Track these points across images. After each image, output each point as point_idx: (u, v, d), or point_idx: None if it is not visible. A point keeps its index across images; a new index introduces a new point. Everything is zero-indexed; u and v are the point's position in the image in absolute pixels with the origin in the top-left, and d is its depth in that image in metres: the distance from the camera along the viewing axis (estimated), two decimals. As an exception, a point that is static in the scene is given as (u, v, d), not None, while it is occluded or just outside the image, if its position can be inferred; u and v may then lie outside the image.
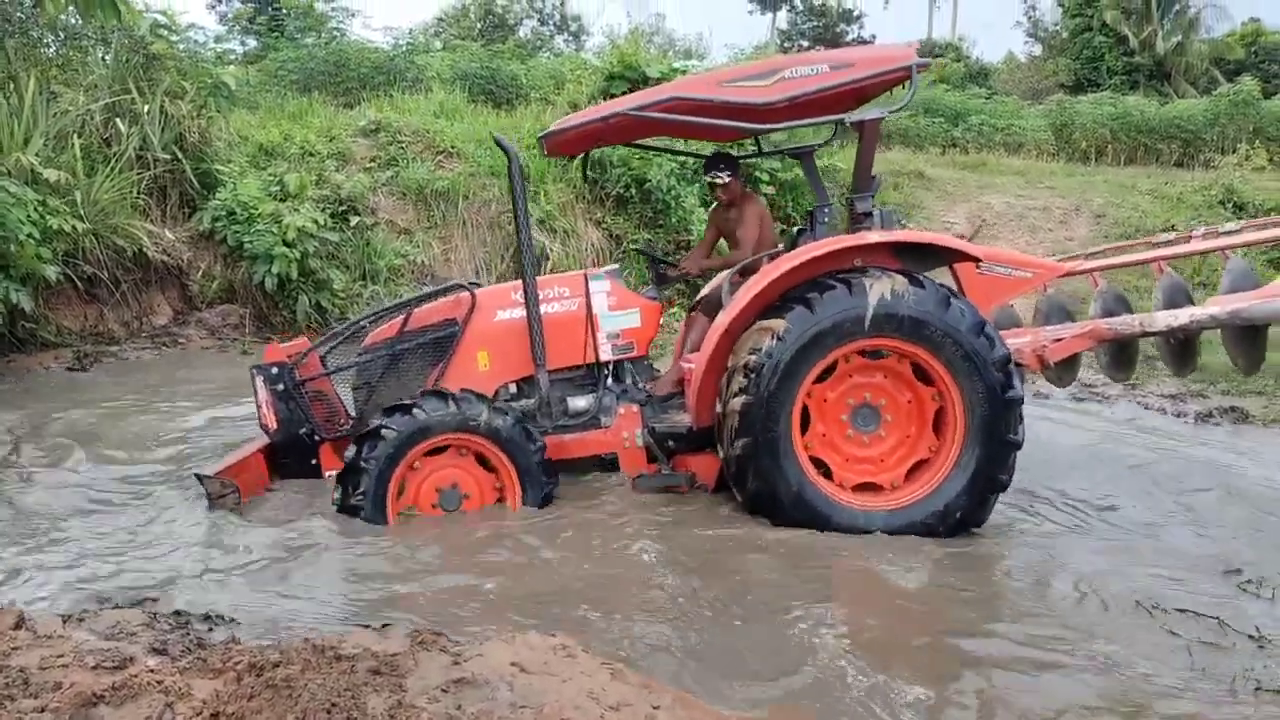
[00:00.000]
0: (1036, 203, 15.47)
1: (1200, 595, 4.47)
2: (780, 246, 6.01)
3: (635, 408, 5.76)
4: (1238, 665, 3.82)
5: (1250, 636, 4.05)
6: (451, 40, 22.12)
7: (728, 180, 6.06)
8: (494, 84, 16.19)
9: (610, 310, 5.80)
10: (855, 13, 51.95)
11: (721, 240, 6.48)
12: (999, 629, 4.08)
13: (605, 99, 13.55)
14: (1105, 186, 16.54)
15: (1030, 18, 44.14)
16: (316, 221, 10.60)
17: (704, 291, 6.55)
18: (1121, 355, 6.41)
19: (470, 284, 5.95)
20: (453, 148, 13.03)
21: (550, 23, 45.33)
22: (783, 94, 5.03)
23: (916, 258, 5.34)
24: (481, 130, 13.52)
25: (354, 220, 11.51)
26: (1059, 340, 5.93)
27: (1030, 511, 5.74)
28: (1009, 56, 39.82)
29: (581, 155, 7.20)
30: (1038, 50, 39.55)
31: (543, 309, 5.57)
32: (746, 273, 5.65)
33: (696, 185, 12.42)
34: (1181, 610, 4.25)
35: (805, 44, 45.19)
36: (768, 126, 5.45)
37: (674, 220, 12.32)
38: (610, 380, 5.87)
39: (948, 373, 5.02)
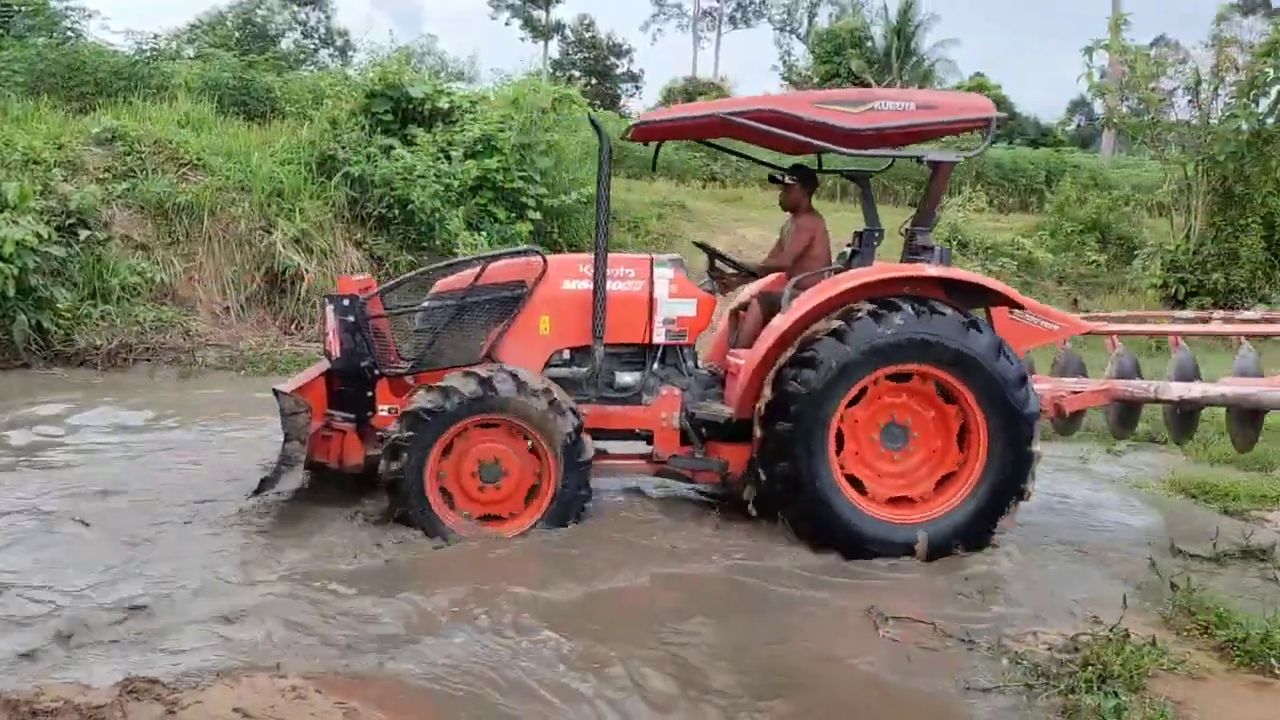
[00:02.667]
0: (788, 236, 16.35)
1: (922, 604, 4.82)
2: (835, 262, 6.28)
3: (677, 391, 5.99)
4: (948, 664, 4.15)
5: (960, 639, 4.40)
6: (205, 48, 20.92)
7: (790, 185, 6.45)
8: (248, 96, 15.44)
9: (670, 297, 6.01)
10: (624, 47, 53.41)
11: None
12: (724, 647, 4.23)
13: (366, 116, 13.22)
14: (846, 222, 17.62)
15: (785, 62, 46.88)
16: (39, 235, 9.72)
17: (740, 296, 6.77)
18: (1128, 415, 6.85)
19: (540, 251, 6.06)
20: (198, 160, 12.30)
21: (315, 36, 43.88)
22: (870, 123, 5.44)
23: (963, 294, 5.64)
24: (231, 143, 12.85)
25: (84, 234, 10.62)
26: (1077, 393, 6.31)
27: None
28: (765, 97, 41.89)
29: (658, 143, 7.28)
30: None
31: (608, 285, 5.75)
32: (802, 286, 5.82)
33: (461, 208, 12.32)
34: (900, 618, 4.57)
35: (576, 74, 45.88)
36: (847, 150, 5.85)
37: (438, 243, 12.13)
38: (657, 363, 6.11)
39: (972, 393, 5.40)
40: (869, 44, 35.01)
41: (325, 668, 3.75)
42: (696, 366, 6.28)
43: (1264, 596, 5.13)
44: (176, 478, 6.38)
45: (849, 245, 6.32)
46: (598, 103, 39.39)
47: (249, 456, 6.76)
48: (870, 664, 4.15)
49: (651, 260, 6.09)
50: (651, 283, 5.98)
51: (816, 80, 36.34)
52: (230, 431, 7.83)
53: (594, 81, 47.08)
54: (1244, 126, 15.47)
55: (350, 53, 42.07)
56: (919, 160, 5.91)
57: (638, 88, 54.44)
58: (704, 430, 5.94)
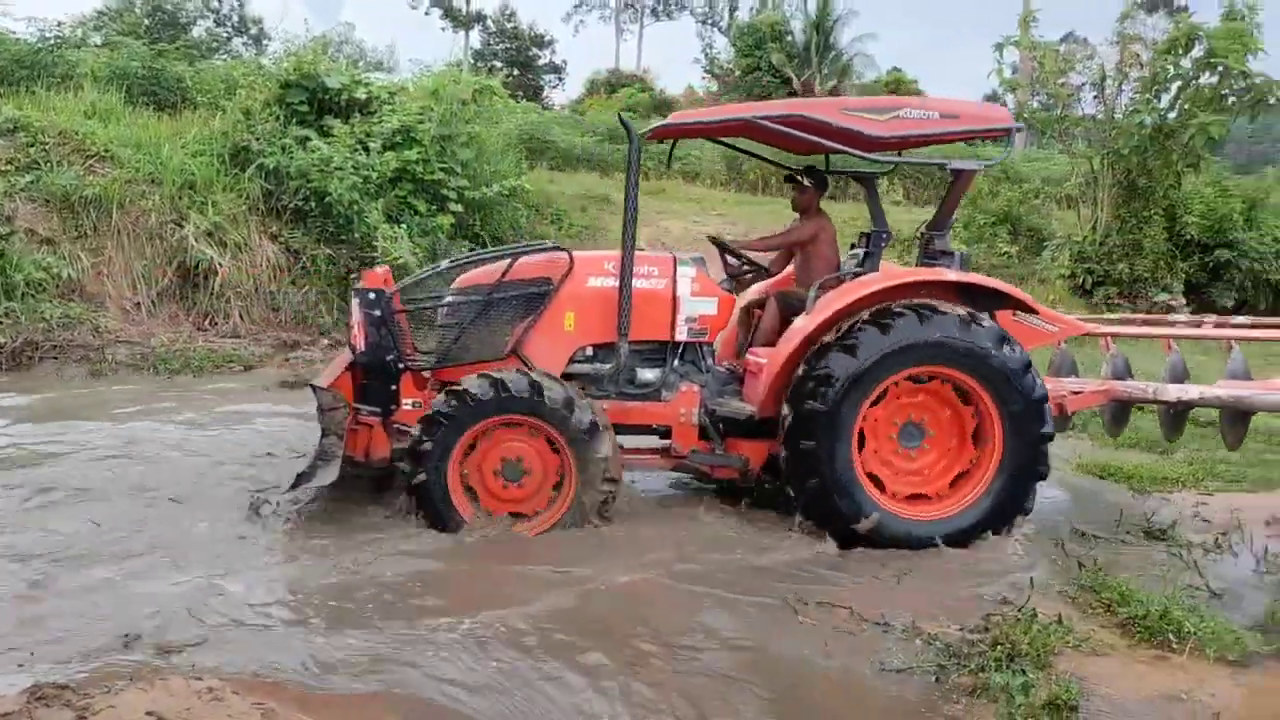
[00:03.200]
0: (708, 228, 16.41)
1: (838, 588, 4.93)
2: (849, 262, 6.37)
3: (695, 388, 6.06)
4: (865, 647, 4.26)
5: (876, 623, 4.51)
6: (113, 36, 20.24)
7: (806, 187, 6.51)
8: (157, 85, 15.00)
9: (692, 295, 6.08)
10: (546, 38, 53.13)
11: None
12: (628, 626, 4.29)
13: (281, 107, 12.95)
14: (767, 216, 17.88)
15: (708, 55, 47.09)
16: (-67, 228, 9.35)
17: (749, 294, 6.78)
18: (1122, 414, 7.16)
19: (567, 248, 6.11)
20: (106, 151, 11.91)
21: (228, 24, 42.80)
22: (895, 131, 5.63)
23: (976, 297, 5.83)
24: (141, 134, 12.48)
25: (-15, 229, 10.25)
26: (1078, 393, 6.51)
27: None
28: (689, 90, 42.14)
29: (673, 141, 7.38)
30: (715, 87, 42.18)
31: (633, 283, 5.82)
32: (826, 287, 5.93)
33: (380, 200, 12.16)
34: (820, 603, 4.67)
35: (498, 64, 45.52)
36: (872, 156, 5.95)
37: (357, 236, 11.94)
38: (677, 360, 6.17)
39: (983, 386, 5.59)
40: (789, 38, 35.29)
41: (243, 669, 3.71)
42: (714, 364, 6.34)
43: (1164, 574, 5.36)
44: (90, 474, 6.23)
45: (854, 245, 6.54)
46: (520, 94, 39.17)
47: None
48: (788, 647, 4.24)
49: (675, 259, 6.16)
50: (675, 281, 6.05)
51: (738, 73, 36.61)
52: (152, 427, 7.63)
53: (516, 72, 46.79)
54: (1146, 121, 15.98)
55: (265, 41, 41.17)
56: (941, 168, 6.11)
57: (560, 79, 54.27)
58: (721, 426, 6.04)
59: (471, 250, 13.15)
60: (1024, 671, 3.97)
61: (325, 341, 11.18)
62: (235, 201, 12.09)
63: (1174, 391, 6.55)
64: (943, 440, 5.84)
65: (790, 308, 6.20)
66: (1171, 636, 4.44)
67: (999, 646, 4.19)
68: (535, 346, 5.84)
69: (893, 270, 6.07)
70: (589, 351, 6.08)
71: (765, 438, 5.95)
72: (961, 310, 5.59)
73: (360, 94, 13.33)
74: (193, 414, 8.07)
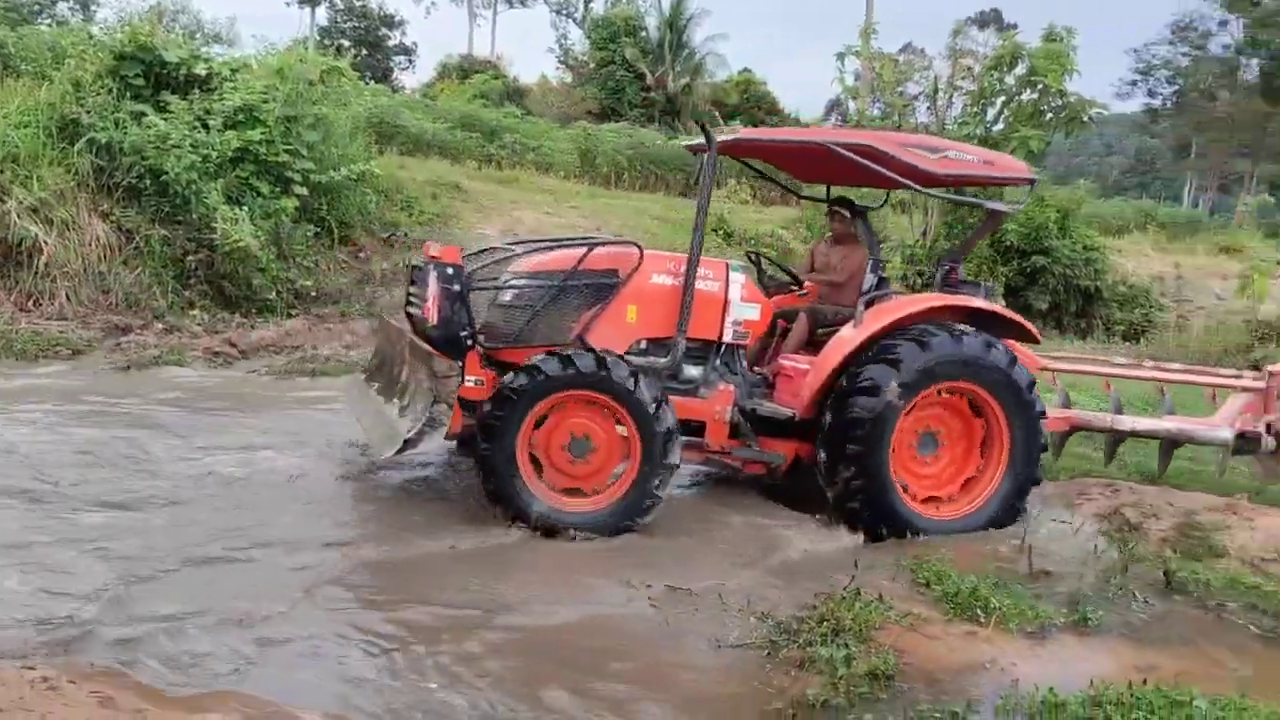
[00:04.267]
0: (563, 221, 16.56)
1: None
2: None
3: (731, 388, 6.35)
4: (704, 627, 4.49)
5: (714, 602, 4.76)
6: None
7: (846, 216, 7.00)
8: (-27, 51, 14.04)
9: (741, 300, 6.41)
10: (397, 18, 51.97)
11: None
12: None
13: (115, 80, 12.31)
14: (622, 210, 18.14)
15: (562, 45, 47.05)
16: None
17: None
18: (1112, 447, 7.90)
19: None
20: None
21: (51, -15, 40.13)
22: (945, 169, 6.28)
23: (985, 321, 6.49)
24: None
25: None
26: (1045, 418, 6.77)
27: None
28: (543, 79, 42.05)
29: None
30: (569, 77, 42.23)
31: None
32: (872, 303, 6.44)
33: (220, 180, 11.74)
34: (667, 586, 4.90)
35: (346, 43, 44.25)
36: (923, 190, 6.76)
37: (195, 216, 11.50)
38: (719, 360, 6.47)
39: (996, 400, 6.23)
40: (643, 34, 35.72)
41: (80, 659, 3.65)
42: (745, 367, 6.66)
43: (979, 555, 5.83)
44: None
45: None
46: (369, 75, 38.24)
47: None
48: (629, 626, 4.43)
49: (728, 265, 6.50)
50: (727, 285, 6.37)
51: (593, 65, 36.77)
52: None
53: (364, 53, 45.56)
54: (974, 133, 16.96)
55: (93, 7, 38.80)
56: (980, 206, 7.05)
57: (411, 61, 53.16)
58: (750, 424, 6.38)
59: (316, 235, 12.90)
60: (847, 645, 4.29)
61: (159, 325, 10.73)
62: (63, 177, 11.43)
63: (1128, 422, 7.46)
64: (953, 448, 6.44)
65: (819, 321, 6.80)
66: (980, 612, 4.87)
67: (825, 623, 4.51)
68: (598, 334, 6.00)
69: (925, 295, 6.74)
70: (643, 345, 6.26)
71: (795, 438, 6.42)
72: (984, 335, 6.27)
73: (200, 69, 12.80)
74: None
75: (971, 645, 4.60)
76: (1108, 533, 6.41)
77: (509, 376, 5.57)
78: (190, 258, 11.60)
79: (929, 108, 18.27)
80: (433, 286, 5.77)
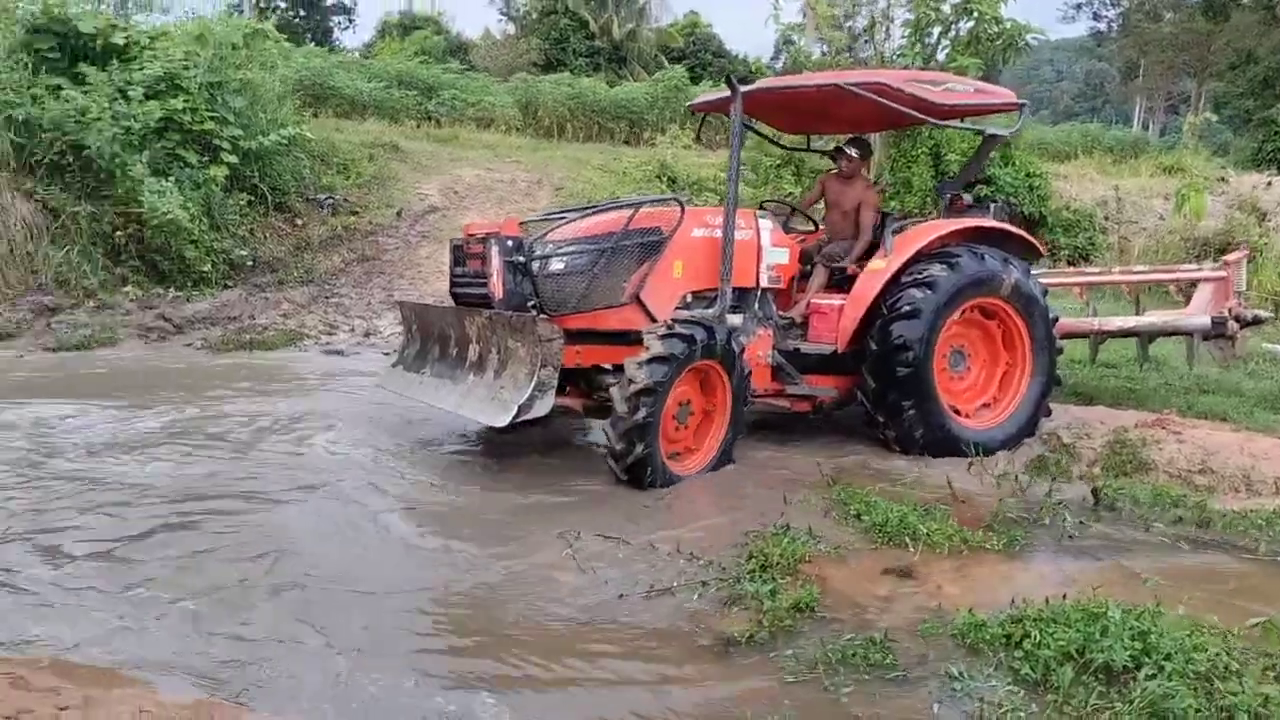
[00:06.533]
0: (504, 176, 16.35)
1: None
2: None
3: (769, 331, 6.64)
4: (633, 571, 4.49)
5: (644, 547, 4.76)
6: None
7: (854, 157, 7.25)
8: (-123, 27, 13.52)
9: (772, 245, 6.66)
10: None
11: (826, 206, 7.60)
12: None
13: (29, 54, 11.96)
14: (564, 161, 17.93)
15: (504, -5, 46.07)
16: None
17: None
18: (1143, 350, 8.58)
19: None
20: None
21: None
22: (946, 100, 6.54)
23: (995, 240, 6.88)
24: None
25: None
26: None
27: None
28: (486, 33, 41.32)
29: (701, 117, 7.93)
30: (512, 28, 41.52)
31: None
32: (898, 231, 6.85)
33: (145, 153, 11.46)
34: (601, 535, 4.88)
35: (282, 4, 43.16)
36: (929, 120, 6.85)
37: (121, 190, 11.24)
38: (755, 306, 6.65)
39: (1017, 312, 6.72)
40: (588, -20, 35.13)
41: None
42: (775, 311, 6.87)
43: (910, 485, 5.89)
44: None
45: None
46: (308, 36, 37.41)
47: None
48: (560, 577, 4.43)
49: (755, 212, 6.72)
50: (758, 232, 6.58)
51: (535, 16, 36.16)
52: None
53: (302, 13, 44.54)
54: (914, 64, 16.87)
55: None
56: (979, 133, 7.37)
57: (351, 20, 51.99)
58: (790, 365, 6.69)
59: (249, 203, 12.67)
60: (774, 579, 4.32)
61: (91, 304, 10.53)
62: (-21, 158, 11.15)
63: (1116, 323, 8.05)
64: (978, 361, 6.95)
65: (834, 262, 7.12)
66: (908, 540, 4.92)
67: (753, 559, 4.53)
68: (652, 292, 6.07)
69: (946, 220, 7.03)
70: (688, 299, 6.34)
71: (840, 372, 6.73)
72: (1000, 252, 6.68)
73: (118, 39, 12.44)
74: None
75: (901, 571, 4.66)
76: (1041, 454, 6.51)
77: (662, 344, 5.53)
78: (119, 233, 11.37)
79: (867, 41, 18.16)
80: (496, 261, 5.77)
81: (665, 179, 17.21)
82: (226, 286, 11.67)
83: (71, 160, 11.38)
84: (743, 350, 6.10)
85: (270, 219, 13.17)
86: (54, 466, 5.73)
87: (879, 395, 6.46)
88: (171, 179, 11.48)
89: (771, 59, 40.25)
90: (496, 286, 5.79)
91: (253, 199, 12.92)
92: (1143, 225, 18.50)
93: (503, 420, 5.30)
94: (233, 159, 12.41)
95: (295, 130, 13.42)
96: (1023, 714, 3.33)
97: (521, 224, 6.23)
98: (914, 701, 3.46)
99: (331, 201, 13.97)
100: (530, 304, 5.86)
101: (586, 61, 32.98)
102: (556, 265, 5.98)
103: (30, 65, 11.89)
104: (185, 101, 11.99)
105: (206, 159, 12.18)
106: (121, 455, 6.00)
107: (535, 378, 5.31)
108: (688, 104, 7.61)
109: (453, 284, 6.35)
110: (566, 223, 6.24)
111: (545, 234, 6.13)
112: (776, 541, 4.70)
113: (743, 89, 6.22)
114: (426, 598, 4.16)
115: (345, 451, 6.27)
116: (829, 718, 3.30)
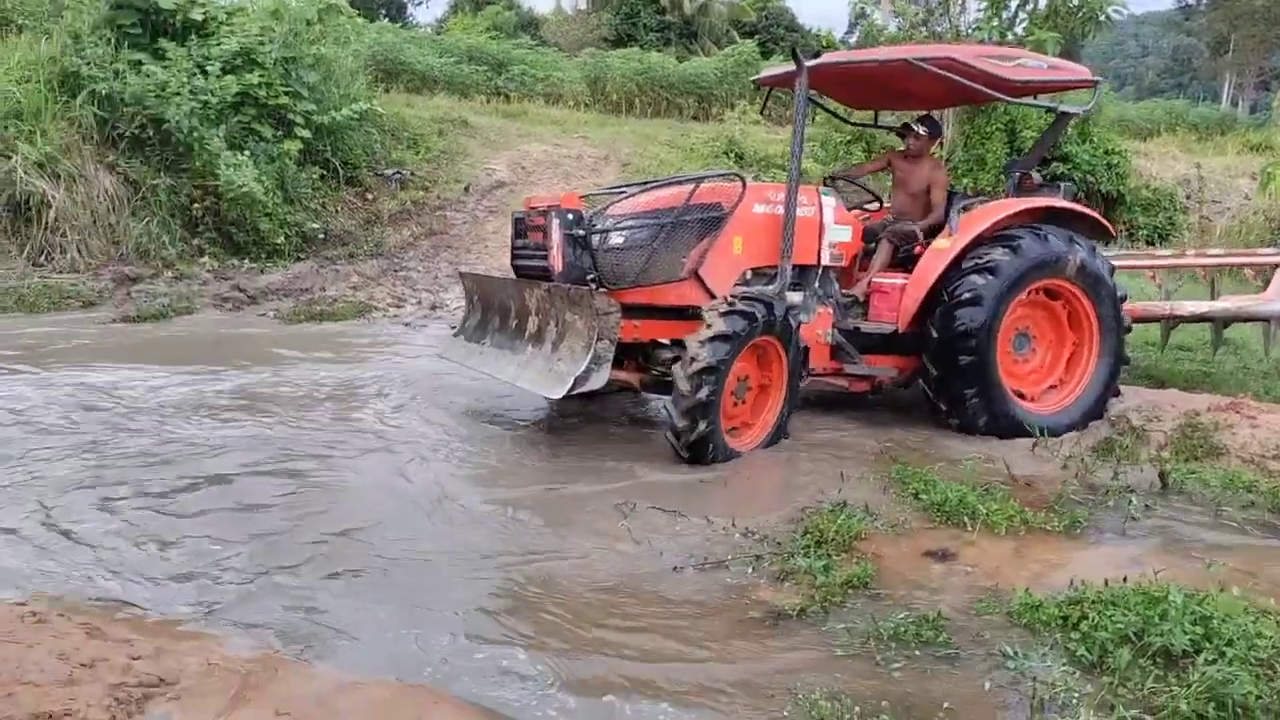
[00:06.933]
0: (571, 151, 16.40)
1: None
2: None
3: (829, 309, 6.53)
4: (689, 545, 4.52)
5: (701, 521, 4.79)
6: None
7: (923, 135, 7.10)
8: (-28, 6, 14.04)
9: (835, 223, 6.54)
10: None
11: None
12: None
13: (112, 29, 12.30)
14: (632, 137, 17.92)
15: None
16: None
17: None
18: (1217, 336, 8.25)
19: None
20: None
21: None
22: (1018, 76, 6.41)
23: (1062, 220, 6.73)
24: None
25: None
26: None
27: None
28: (557, 8, 41.34)
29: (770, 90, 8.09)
30: (583, 4, 41.45)
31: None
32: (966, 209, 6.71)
33: (222, 127, 11.74)
34: (658, 508, 4.91)
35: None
36: (999, 96, 6.74)
37: (198, 164, 11.54)
38: (815, 283, 6.54)
39: (1084, 292, 6.54)
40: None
41: (76, 595, 3.76)
42: (837, 289, 6.76)
43: (973, 466, 5.82)
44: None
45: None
46: (383, 12, 37.79)
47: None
48: (616, 547, 4.47)
49: (818, 188, 6.57)
50: (821, 209, 6.47)
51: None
52: None
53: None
54: (990, 38, 16.50)
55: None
56: (1051, 110, 7.08)
57: (423, -3, 52.48)
58: (846, 343, 6.58)
59: (321, 177, 12.90)
60: (828, 555, 4.32)
61: (169, 274, 10.84)
62: (67, 131, 11.52)
63: (1189, 307, 7.77)
64: (1044, 343, 6.79)
65: (904, 240, 6.94)
66: (966, 519, 4.87)
67: (808, 535, 4.53)
68: (711, 268, 5.99)
69: (1012, 200, 6.88)
70: (748, 275, 6.30)
71: (899, 352, 6.65)
72: (1064, 231, 6.51)
73: (196, 14, 12.74)
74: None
75: (956, 552, 4.62)
76: (1108, 437, 6.38)
77: (725, 322, 5.50)
78: (197, 206, 11.67)
79: (943, 14, 17.77)
80: (556, 234, 5.75)
81: (733, 155, 17.10)
82: (299, 259, 11.93)
83: (151, 134, 11.69)
84: (799, 326, 6.07)
85: (341, 193, 13.40)
86: (126, 424, 5.94)
87: (941, 382, 6.37)
88: (247, 153, 11.75)
89: (845, 33, 39.71)
90: (556, 259, 5.78)
91: (325, 173, 13.16)
92: (1226, 205, 17.90)
93: (559, 392, 5.28)
94: (306, 133, 12.64)
95: (367, 105, 13.62)
96: (1077, 694, 3.30)
97: (582, 198, 6.24)
98: (966, 679, 3.44)
99: (400, 176, 14.16)
100: (589, 277, 5.83)
101: (657, 36, 32.84)
102: (616, 239, 5.92)
103: (113, 41, 12.23)
104: (260, 76, 12.24)
105: (280, 133, 12.43)
106: (190, 416, 6.20)
107: (591, 350, 5.27)
108: (752, 78, 7.47)
109: (514, 256, 6.37)
110: (627, 197, 6.17)
111: (606, 208, 6.06)
112: (832, 518, 4.70)
113: (808, 63, 6.10)
114: (482, 561, 4.24)
115: (407, 419, 6.39)
116: (878, 692, 3.29)
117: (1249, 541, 4.86)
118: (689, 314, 5.91)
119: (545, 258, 5.87)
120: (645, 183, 6.92)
